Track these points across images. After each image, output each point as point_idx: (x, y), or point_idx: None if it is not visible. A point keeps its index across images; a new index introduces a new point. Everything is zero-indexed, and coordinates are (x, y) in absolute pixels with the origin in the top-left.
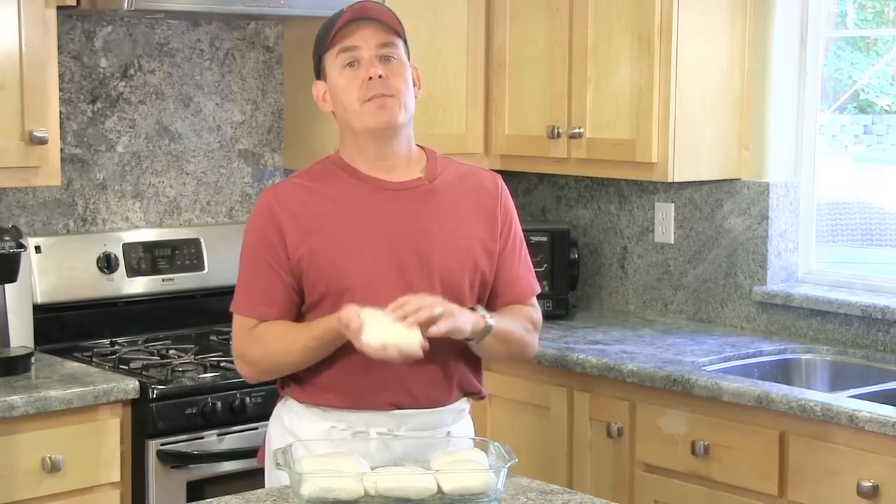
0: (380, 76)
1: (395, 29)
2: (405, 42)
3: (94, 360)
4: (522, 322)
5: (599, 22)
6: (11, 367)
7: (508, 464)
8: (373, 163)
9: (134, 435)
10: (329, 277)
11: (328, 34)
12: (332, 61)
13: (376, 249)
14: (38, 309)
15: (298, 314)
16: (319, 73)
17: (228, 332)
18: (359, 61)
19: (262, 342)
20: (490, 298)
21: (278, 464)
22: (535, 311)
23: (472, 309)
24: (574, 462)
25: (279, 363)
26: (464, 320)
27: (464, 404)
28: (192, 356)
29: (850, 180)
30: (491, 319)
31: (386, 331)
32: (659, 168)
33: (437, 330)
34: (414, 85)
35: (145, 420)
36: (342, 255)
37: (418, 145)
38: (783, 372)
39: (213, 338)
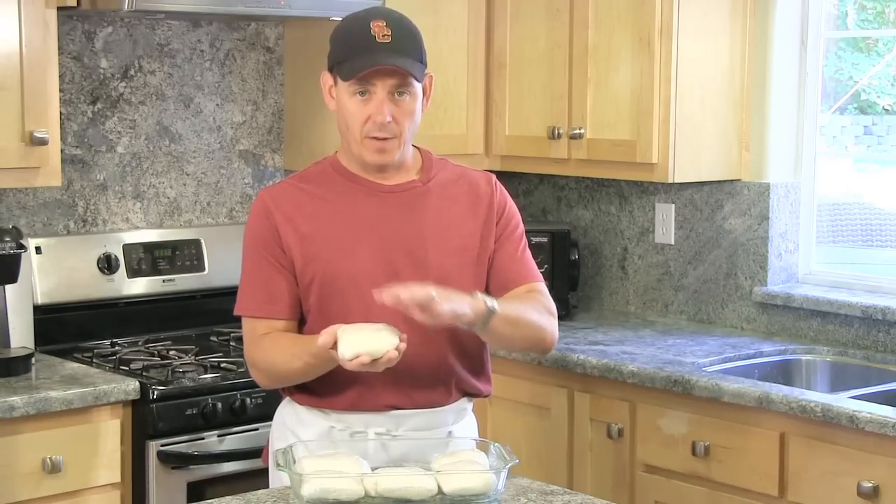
0: (387, 121)
1: (414, 75)
2: (424, 64)
3: (94, 360)
4: (532, 304)
5: (600, 22)
6: (12, 367)
7: (509, 464)
8: (368, 168)
9: (134, 436)
10: (322, 280)
11: (345, 59)
12: (344, 84)
13: (369, 251)
14: (38, 310)
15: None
16: (331, 68)
17: (229, 334)
18: (370, 94)
19: (268, 353)
20: (490, 289)
21: (279, 464)
22: (545, 298)
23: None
24: (574, 463)
25: (284, 376)
26: (463, 303)
27: (465, 404)
28: (193, 357)
29: (851, 181)
30: (492, 302)
31: (357, 340)
32: (659, 169)
33: (441, 311)
34: (424, 95)
35: (145, 421)
36: (335, 257)
37: (415, 146)
38: (783, 373)
39: (214, 339)
